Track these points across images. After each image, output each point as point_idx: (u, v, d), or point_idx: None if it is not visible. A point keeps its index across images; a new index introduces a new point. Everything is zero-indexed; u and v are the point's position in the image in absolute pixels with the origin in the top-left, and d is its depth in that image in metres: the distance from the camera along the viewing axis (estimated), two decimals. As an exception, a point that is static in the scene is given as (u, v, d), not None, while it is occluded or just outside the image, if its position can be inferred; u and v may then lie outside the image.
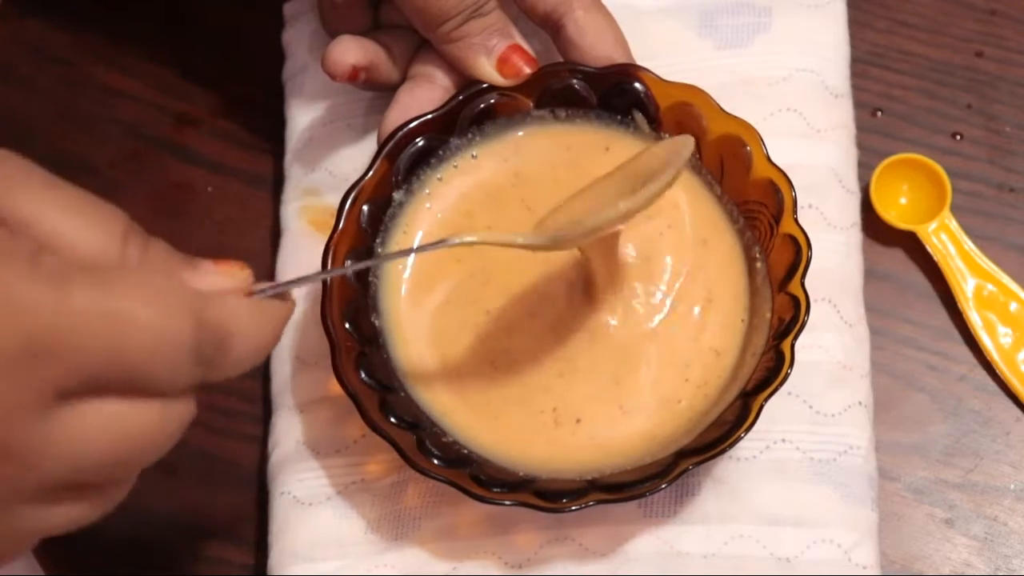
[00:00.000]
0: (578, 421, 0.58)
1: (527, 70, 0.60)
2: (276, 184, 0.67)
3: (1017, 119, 0.68)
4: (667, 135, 0.61)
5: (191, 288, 0.42)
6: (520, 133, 0.62)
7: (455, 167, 0.61)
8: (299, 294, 0.63)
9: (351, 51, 0.61)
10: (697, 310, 0.59)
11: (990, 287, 0.64)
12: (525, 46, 0.61)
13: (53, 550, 0.62)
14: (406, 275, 0.60)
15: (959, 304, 0.64)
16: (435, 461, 0.56)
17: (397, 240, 0.61)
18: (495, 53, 0.60)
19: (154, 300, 0.40)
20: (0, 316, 0.37)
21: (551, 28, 0.61)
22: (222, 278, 0.44)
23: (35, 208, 0.40)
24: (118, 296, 0.39)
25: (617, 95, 0.61)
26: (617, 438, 0.58)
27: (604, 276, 0.59)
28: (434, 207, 0.61)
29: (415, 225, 0.61)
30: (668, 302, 0.60)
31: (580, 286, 0.60)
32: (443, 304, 0.60)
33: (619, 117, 0.61)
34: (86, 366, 0.39)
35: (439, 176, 0.61)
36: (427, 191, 0.61)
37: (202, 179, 0.68)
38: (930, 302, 0.65)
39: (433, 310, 0.60)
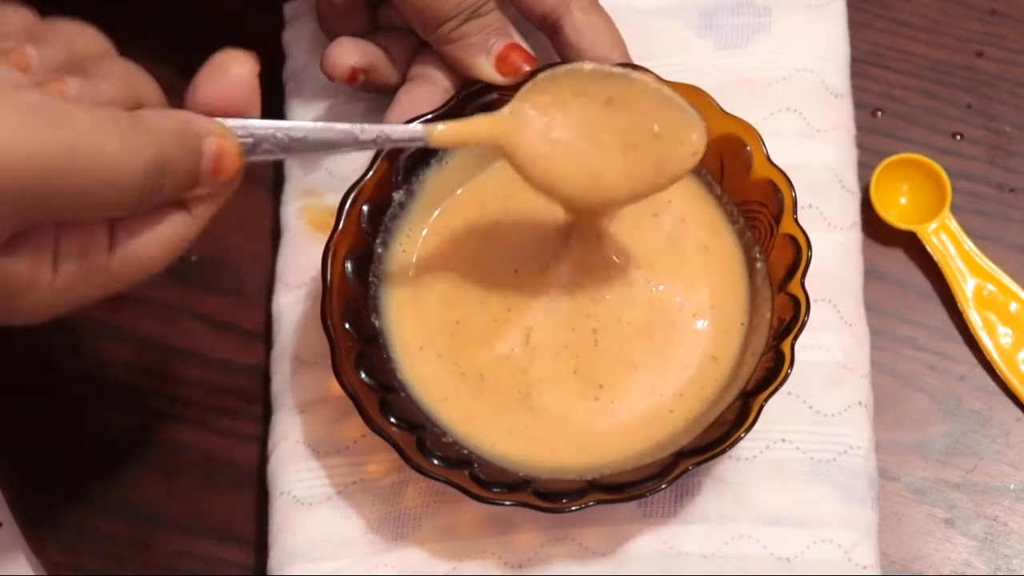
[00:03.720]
0: (579, 423, 0.58)
1: (526, 68, 0.60)
2: (276, 184, 0.67)
3: (1017, 119, 0.68)
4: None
5: (185, 235, 0.50)
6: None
7: (456, 165, 0.62)
8: (299, 294, 0.63)
9: (350, 53, 0.61)
10: (700, 323, 0.59)
11: (990, 287, 0.64)
12: (524, 44, 0.61)
13: (53, 550, 0.62)
14: (406, 275, 0.60)
15: (959, 304, 0.64)
16: (435, 461, 0.56)
17: (400, 242, 0.61)
18: (494, 52, 0.60)
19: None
20: None
21: (549, 29, 0.61)
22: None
23: None
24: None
25: (617, 95, 0.60)
26: (617, 441, 0.58)
27: (599, 267, 0.59)
28: (435, 206, 0.61)
29: (419, 225, 0.61)
30: (669, 310, 0.60)
31: (581, 287, 0.60)
32: (443, 304, 0.60)
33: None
34: None
35: (439, 176, 0.61)
36: (427, 191, 0.61)
37: (202, 179, 0.68)
38: (930, 302, 0.65)
39: (433, 310, 0.60)
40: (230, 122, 0.50)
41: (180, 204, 0.50)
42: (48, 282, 0.46)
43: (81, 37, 0.49)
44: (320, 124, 0.52)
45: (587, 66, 0.57)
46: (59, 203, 0.45)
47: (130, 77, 0.49)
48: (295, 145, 0.51)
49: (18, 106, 0.43)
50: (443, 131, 0.56)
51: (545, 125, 0.56)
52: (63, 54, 0.48)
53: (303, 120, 0.66)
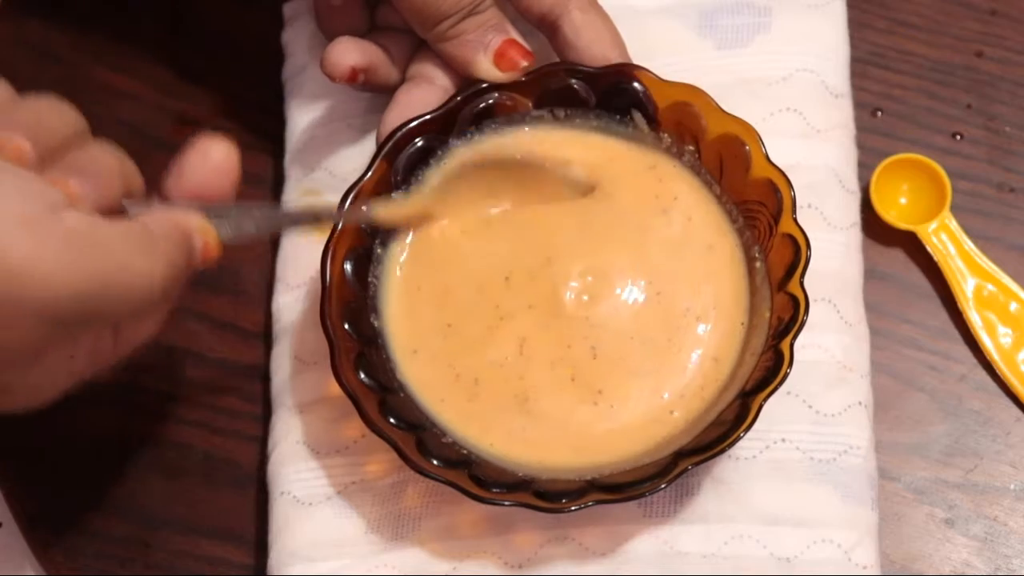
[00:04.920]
0: (578, 426, 0.58)
1: (524, 63, 0.60)
2: (276, 184, 0.67)
3: (1017, 119, 0.68)
4: (666, 135, 0.61)
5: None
6: (524, 130, 0.62)
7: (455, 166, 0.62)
8: (299, 294, 0.63)
9: (350, 52, 0.61)
10: (704, 324, 0.59)
11: (990, 287, 0.64)
12: (521, 41, 0.61)
13: (53, 550, 0.62)
14: (404, 276, 0.60)
15: (959, 304, 0.64)
16: (435, 462, 0.56)
17: (400, 243, 0.61)
18: (491, 48, 0.60)
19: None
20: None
21: (547, 29, 0.61)
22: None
23: None
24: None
25: (616, 95, 0.60)
26: (616, 442, 0.58)
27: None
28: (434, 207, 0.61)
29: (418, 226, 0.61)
30: (673, 313, 0.60)
31: (582, 288, 0.60)
32: (437, 307, 0.60)
33: (618, 117, 0.61)
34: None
35: (438, 177, 0.61)
36: (427, 192, 0.61)
37: (202, 179, 0.68)
38: (930, 302, 0.65)
39: (433, 311, 0.60)
40: (208, 207, 0.53)
41: None
42: (63, 379, 0.49)
43: (57, 117, 0.50)
44: (282, 210, 0.60)
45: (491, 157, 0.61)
46: (91, 321, 0.47)
47: (117, 167, 0.51)
48: (264, 226, 0.55)
49: (57, 235, 0.45)
50: (383, 209, 0.59)
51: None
52: (46, 139, 0.49)
53: (303, 120, 0.66)
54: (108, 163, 0.51)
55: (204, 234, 0.52)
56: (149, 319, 0.52)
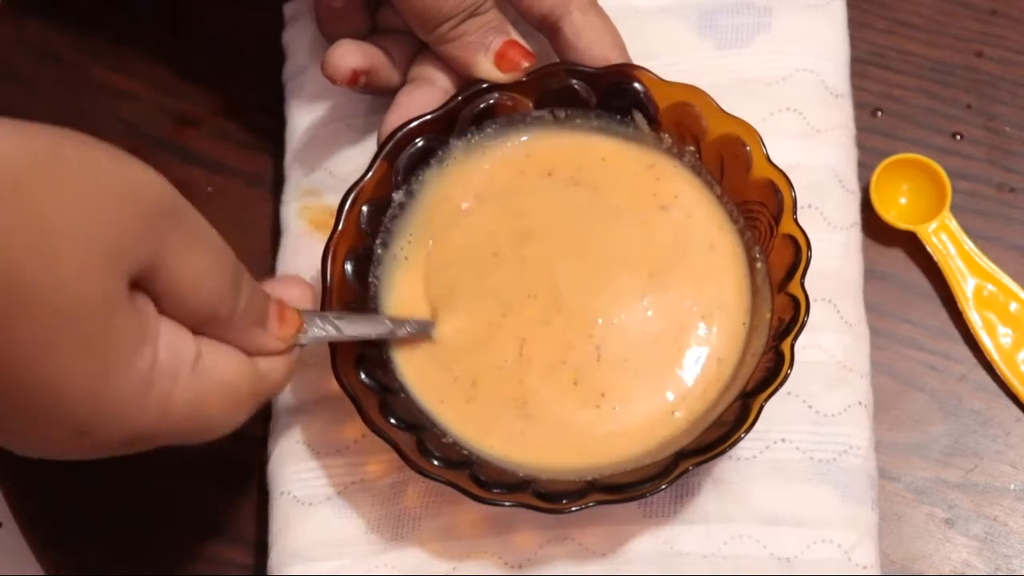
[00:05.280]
0: (579, 429, 0.58)
1: (525, 64, 0.60)
2: (276, 184, 0.67)
3: (1017, 119, 0.68)
4: (667, 135, 0.61)
5: (256, 371, 0.51)
6: (522, 134, 0.62)
7: (455, 166, 0.62)
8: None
9: (351, 55, 0.61)
10: (707, 325, 0.59)
11: (990, 287, 0.64)
12: (522, 42, 0.61)
13: (53, 550, 0.62)
14: (404, 276, 0.60)
15: (959, 304, 0.64)
16: (435, 462, 0.56)
17: (400, 243, 0.61)
18: (492, 49, 0.60)
19: (228, 398, 0.50)
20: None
21: (548, 30, 0.61)
22: (281, 344, 0.52)
23: (175, 260, 0.46)
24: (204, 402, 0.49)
25: (616, 95, 0.60)
26: (618, 444, 0.58)
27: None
28: (435, 207, 0.61)
29: (418, 226, 0.61)
30: (677, 314, 0.60)
31: (581, 299, 0.60)
32: (443, 306, 0.60)
33: (618, 117, 0.61)
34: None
35: (439, 177, 0.61)
36: (427, 192, 0.61)
37: (202, 179, 0.68)
38: (930, 302, 0.65)
39: (433, 311, 0.60)
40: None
41: (246, 350, 0.51)
42: (151, 356, 0.46)
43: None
44: (363, 317, 0.58)
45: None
46: (180, 240, 0.46)
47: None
48: (340, 334, 0.55)
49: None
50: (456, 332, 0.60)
51: None
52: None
53: (303, 121, 0.66)
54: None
55: (284, 300, 0.53)
56: (223, 352, 0.51)
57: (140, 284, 0.46)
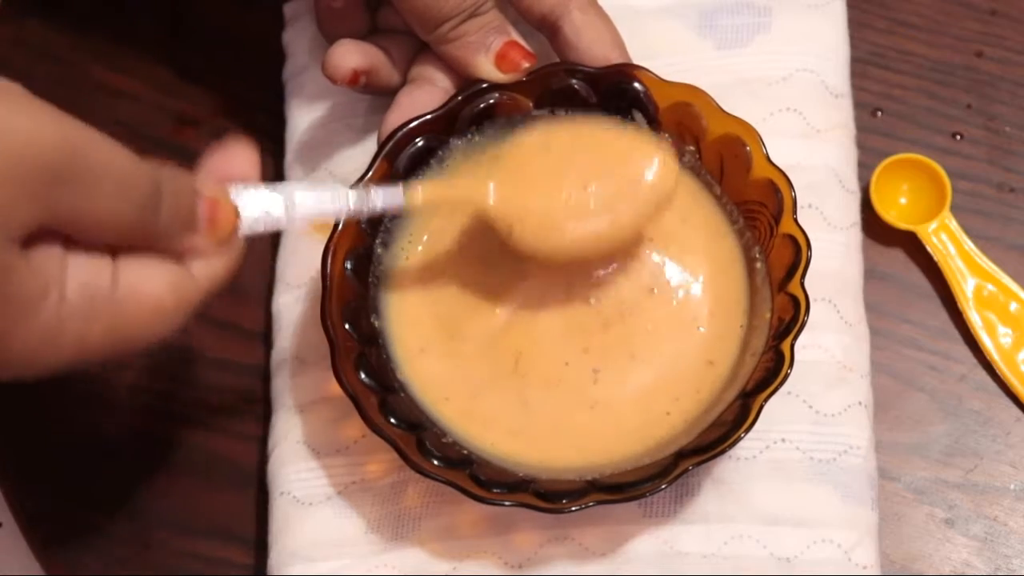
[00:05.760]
0: (577, 426, 0.58)
1: (525, 64, 0.60)
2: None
3: (1017, 119, 0.68)
4: (667, 135, 0.61)
5: (187, 280, 0.49)
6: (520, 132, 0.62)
7: (455, 166, 0.62)
8: (299, 294, 0.63)
9: (352, 55, 0.61)
10: (699, 328, 0.59)
11: (990, 287, 0.64)
12: (522, 42, 0.61)
13: (53, 550, 0.62)
14: (405, 276, 0.60)
15: (959, 304, 0.64)
16: (435, 462, 0.56)
17: (400, 243, 0.61)
18: (493, 49, 0.60)
19: (156, 315, 0.48)
20: None
21: (548, 30, 0.61)
22: (215, 245, 0.50)
23: (74, 207, 0.45)
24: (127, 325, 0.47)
25: (616, 95, 0.60)
26: (615, 442, 0.58)
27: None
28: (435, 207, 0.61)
29: (418, 227, 0.61)
30: (669, 317, 0.60)
31: (582, 291, 0.60)
32: (443, 305, 0.60)
33: (619, 117, 0.61)
34: None
35: (439, 178, 0.61)
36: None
37: (202, 179, 0.68)
38: (930, 302, 0.65)
39: (433, 311, 0.60)
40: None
41: (177, 256, 0.50)
42: (56, 303, 0.45)
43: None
44: (317, 192, 0.54)
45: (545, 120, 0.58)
46: (75, 191, 0.45)
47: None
48: (288, 216, 0.52)
49: (42, 104, 0.44)
50: (424, 192, 0.57)
51: (518, 188, 0.57)
52: None
53: (303, 120, 0.66)
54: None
55: (217, 191, 0.50)
56: (146, 268, 0.49)
57: (41, 232, 0.45)
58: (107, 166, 0.45)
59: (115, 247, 0.47)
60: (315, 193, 0.53)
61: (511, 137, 0.59)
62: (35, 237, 0.45)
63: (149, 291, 0.48)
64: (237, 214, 0.51)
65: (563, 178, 0.57)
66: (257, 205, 0.51)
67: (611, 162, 0.57)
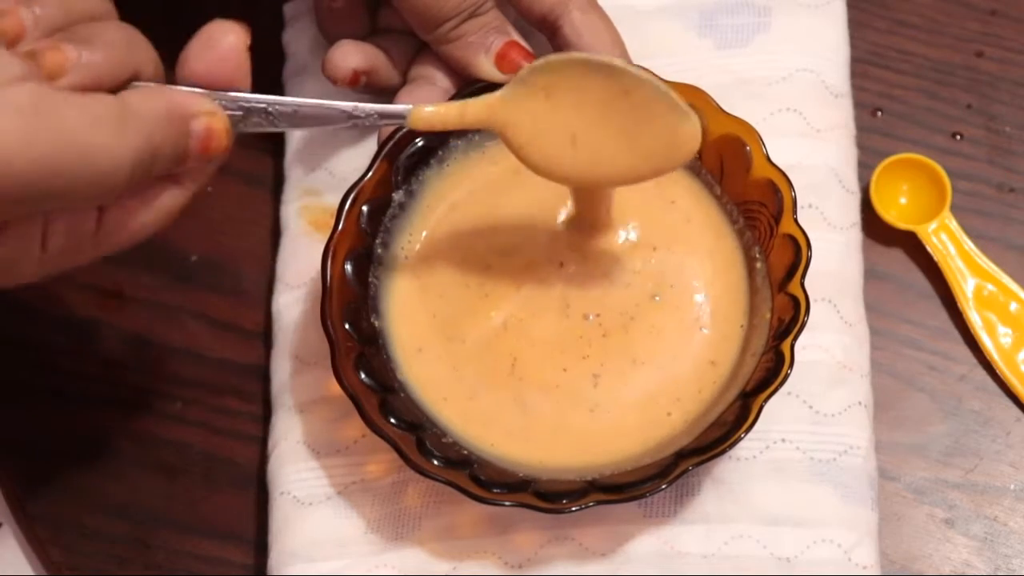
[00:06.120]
0: (577, 427, 0.58)
1: (525, 65, 0.60)
2: (276, 184, 0.67)
3: (1017, 119, 0.68)
4: None
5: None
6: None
7: (455, 166, 0.61)
8: (299, 294, 0.63)
9: (352, 55, 0.61)
10: (701, 328, 0.59)
11: (990, 287, 0.64)
12: (522, 42, 0.61)
13: (53, 550, 0.62)
14: (405, 276, 0.60)
15: (959, 304, 0.64)
16: (435, 462, 0.56)
17: (400, 243, 0.61)
18: (493, 50, 0.60)
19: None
20: None
21: (548, 30, 0.61)
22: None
23: None
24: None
25: (617, 95, 0.60)
26: (616, 443, 0.58)
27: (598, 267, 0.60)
28: (435, 207, 0.61)
29: (418, 227, 0.61)
30: (672, 317, 0.60)
31: (582, 290, 0.60)
32: (443, 306, 0.60)
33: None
34: None
35: (439, 177, 0.61)
36: (427, 192, 0.61)
37: (202, 179, 0.68)
38: (930, 302, 0.65)
39: (433, 311, 0.60)
40: (220, 94, 0.50)
41: (170, 177, 0.50)
42: (36, 257, 0.47)
43: None
44: (311, 100, 0.52)
45: (582, 56, 0.54)
46: (48, 199, 0.45)
47: (128, 44, 0.49)
48: (284, 120, 0.51)
49: (10, 105, 0.43)
50: (433, 111, 0.55)
51: (539, 109, 0.55)
52: (60, 14, 0.47)
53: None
54: (118, 37, 0.48)
55: (210, 118, 0.49)
56: (134, 205, 0.49)
57: None
58: (81, 171, 0.44)
59: None
60: (313, 103, 0.52)
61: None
62: None
63: (133, 226, 0.49)
64: (229, 131, 0.50)
65: (591, 111, 0.55)
66: (249, 109, 0.50)
67: (640, 112, 0.54)
